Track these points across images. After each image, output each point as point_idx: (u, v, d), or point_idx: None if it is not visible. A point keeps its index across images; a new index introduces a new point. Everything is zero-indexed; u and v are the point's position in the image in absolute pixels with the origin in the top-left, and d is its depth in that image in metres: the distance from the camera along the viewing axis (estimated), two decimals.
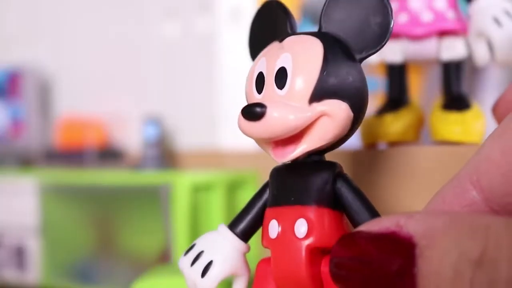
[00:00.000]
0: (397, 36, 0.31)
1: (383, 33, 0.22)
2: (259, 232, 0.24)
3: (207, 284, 0.23)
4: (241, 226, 0.24)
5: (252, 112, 0.21)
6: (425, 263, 0.16)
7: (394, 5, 0.31)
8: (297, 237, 0.21)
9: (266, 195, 0.23)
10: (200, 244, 0.24)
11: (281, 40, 0.22)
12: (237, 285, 0.24)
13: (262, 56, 0.23)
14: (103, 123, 0.53)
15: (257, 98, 0.22)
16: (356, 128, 0.22)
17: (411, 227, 0.17)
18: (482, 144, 0.19)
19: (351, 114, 0.21)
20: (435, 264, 0.16)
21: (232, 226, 0.24)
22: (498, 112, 0.26)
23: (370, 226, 0.18)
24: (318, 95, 0.21)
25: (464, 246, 0.16)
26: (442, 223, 0.16)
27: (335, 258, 0.18)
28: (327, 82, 0.21)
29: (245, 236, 0.24)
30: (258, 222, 0.23)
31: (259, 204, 0.24)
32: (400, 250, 0.16)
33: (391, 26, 0.21)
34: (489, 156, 0.18)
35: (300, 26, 0.45)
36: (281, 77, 0.21)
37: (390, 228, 0.17)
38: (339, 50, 0.22)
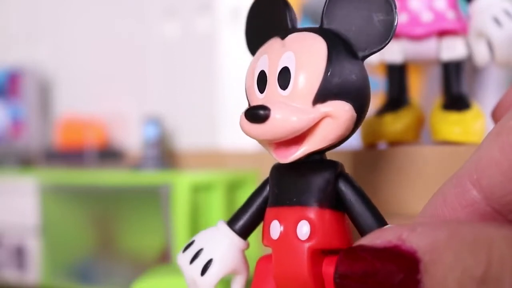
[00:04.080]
0: (397, 36, 0.31)
1: (386, 31, 0.21)
2: (258, 229, 0.24)
3: (207, 282, 0.23)
4: (240, 223, 0.24)
5: (256, 115, 0.20)
6: (429, 279, 0.16)
7: None
8: (299, 239, 0.21)
9: (265, 193, 0.23)
10: (199, 241, 0.24)
11: (282, 37, 0.22)
12: (236, 282, 0.24)
13: (263, 53, 0.22)
14: (103, 123, 0.53)
15: (259, 97, 0.22)
16: (359, 127, 0.22)
17: (414, 242, 0.17)
18: (481, 143, 0.19)
19: (354, 114, 0.21)
20: (439, 280, 0.16)
21: (231, 223, 0.24)
22: (497, 116, 0.26)
23: (373, 239, 0.18)
24: (322, 96, 0.21)
25: (467, 262, 0.16)
26: (444, 236, 0.16)
27: (339, 270, 0.18)
28: (331, 82, 0.21)
29: (244, 233, 0.24)
30: (258, 220, 0.23)
31: (259, 201, 0.23)
32: (402, 264, 0.17)
33: (395, 23, 0.21)
34: (488, 155, 0.18)
35: (301, 25, 0.45)
36: (284, 77, 0.21)
37: (392, 242, 0.17)
38: (342, 48, 0.21)
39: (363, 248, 0.18)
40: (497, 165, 0.18)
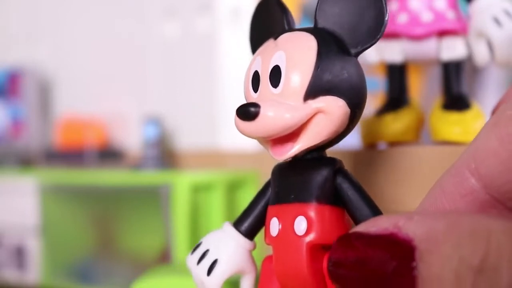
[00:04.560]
0: (397, 36, 0.31)
1: (377, 27, 0.21)
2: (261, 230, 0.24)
3: (213, 282, 0.23)
4: (246, 224, 0.24)
5: (246, 112, 0.21)
6: (425, 267, 0.16)
7: (394, 5, 0.31)
8: (297, 235, 0.21)
9: (269, 193, 0.23)
10: (206, 242, 0.24)
11: (275, 38, 0.22)
12: (245, 282, 0.24)
13: (258, 54, 0.23)
14: (103, 123, 0.53)
15: (253, 97, 0.22)
16: (355, 124, 0.22)
17: (410, 230, 0.17)
18: (478, 133, 0.19)
19: (348, 110, 0.21)
20: (436, 269, 0.16)
21: (236, 224, 0.24)
22: None
23: (368, 226, 0.18)
24: (312, 92, 0.21)
25: (465, 252, 0.16)
26: (442, 227, 0.16)
27: (332, 258, 0.18)
28: (322, 78, 0.21)
29: (250, 234, 0.24)
30: (262, 220, 0.24)
31: (263, 201, 0.24)
32: (397, 251, 0.16)
33: (386, 19, 0.21)
34: (487, 144, 0.18)
35: (301, 25, 0.45)
36: (275, 75, 0.21)
37: (388, 229, 0.17)
38: (333, 45, 0.22)
39: (357, 235, 0.18)
40: (495, 155, 0.18)
